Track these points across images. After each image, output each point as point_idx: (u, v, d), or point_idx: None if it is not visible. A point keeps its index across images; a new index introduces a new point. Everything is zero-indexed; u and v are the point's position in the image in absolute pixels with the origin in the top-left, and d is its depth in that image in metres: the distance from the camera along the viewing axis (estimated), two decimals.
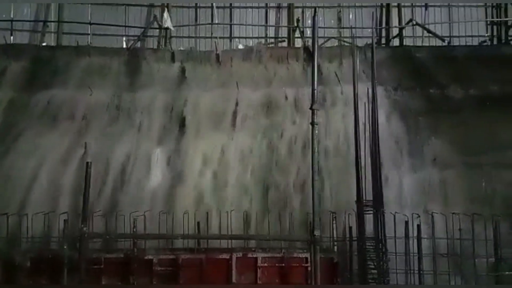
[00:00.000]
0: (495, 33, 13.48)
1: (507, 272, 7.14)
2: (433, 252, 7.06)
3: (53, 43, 11.97)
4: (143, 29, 11.75)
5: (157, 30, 11.83)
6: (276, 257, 6.83)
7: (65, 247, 6.48)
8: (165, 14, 11.37)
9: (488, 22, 13.42)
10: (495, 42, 13.23)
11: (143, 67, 10.37)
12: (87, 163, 5.95)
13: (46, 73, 10.31)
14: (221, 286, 6.72)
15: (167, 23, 11.26)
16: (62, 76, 10.24)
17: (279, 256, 6.84)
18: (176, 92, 9.92)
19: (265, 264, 6.77)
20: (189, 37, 12.30)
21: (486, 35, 13.25)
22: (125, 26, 11.92)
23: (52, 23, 12.21)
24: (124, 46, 11.81)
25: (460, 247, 7.07)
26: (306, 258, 6.64)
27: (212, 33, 11.79)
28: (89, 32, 11.75)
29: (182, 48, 10.99)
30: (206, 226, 7.59)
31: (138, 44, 11.67)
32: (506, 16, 13.30)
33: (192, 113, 9.59)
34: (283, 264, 6.79)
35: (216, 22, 12.04)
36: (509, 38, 13.20)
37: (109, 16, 12.30)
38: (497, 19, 13.35)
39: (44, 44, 11.85)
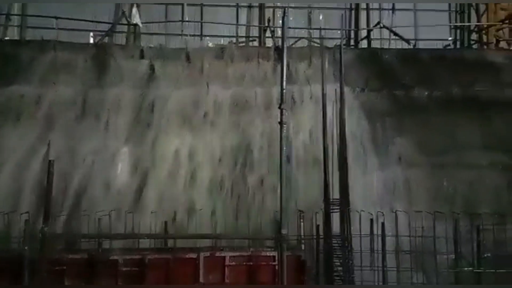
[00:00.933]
0: (458, 37, 14.00)
1: (466, 268, 7.45)
2: (396, 249, 7.28)
3: (16, 37, 11.57)
4: (111, 25, 11.51)
5: (126, 26, 11.61)
6: (244, 256, 6.85)
7: (26, 248, 6.29)
8: (134, 10, 11.17)
9: (452, 27, 13.92)
10: (458, 46, 13.74)
11: (111, 64, 10.14)
12: (50, 161, 5.80)
13: (9, 68, 9.95)
14: (193, 286, 6.69)
15: (136, 19, 11.08)
16: (26, 72, 9.90)
17: (247, 255, 6.86)
18: (145, 89, 9.76)
19: (233, 263, 6.78)
20: (158, 34, 12.14)
21: (450, 39, 13.74)
22: (93, 21, 11.64)
23: (16, 17, 11.79)
24: (91, 41, 11.55)
25: (422, 244, 7.31)
26: (274, 257, 6.70)
27: (182, 31, 11.69)
28: (54, 26, 11.41)
29: (151, 45, 10.80)
30: (174, 226, 7.53)
31: (106, 40, 11.43)
32: (469, 21, 13.83)
33: (161, 111, 9.46)
34: (251, 263, 6.82)
35: (187, 19, 11.95)
36: (472, 42, 13.74)
37: (76, 10, 11.98)
38: (461, 24, 13.86)
39: (6, 38, 11.44)
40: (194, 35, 12.17)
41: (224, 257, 6.76)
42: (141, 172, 8.81)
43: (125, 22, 11.59)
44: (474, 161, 9.13)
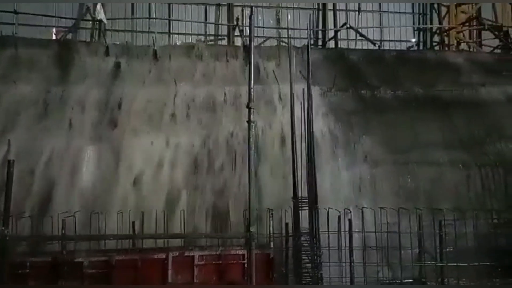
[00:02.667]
0: (421, 39, 14.48)
1: (429, 262, 7.71)
2: (363, 245, 7.44)
3: None
4: (74, 21, 11.18)
5: (90, 23, 11.31)
6: (213, 255, 6.80)
7: None
8: (98, 6, 10.90)
9: (415, 29, 14.38)
10: (421, 47, 14.20)
11: (74, 61, 9.85)
12: (9, 161, 5.57)
13: None
14: (163, 287, 6.60)
15: (100, 15, 10.81)
16: None
17: (216, 254, 6.82)
18: (111, 87, 9.53)
19: (202, 262, 6.73)
20: (125, 31, 11.91)
21: (413, 40, 14.19)
22: (55, 17, 11.27)
23: None
24: (54, 37, 11.19)
25: (387, 239, 7.50)
26: (243, 255, 6.69)
27: (149, 28, 11.51)
28: (14, 22, 10.98)
29: (117, 42, 10.57)
30: (142, 226, 7.40)
31: (70, 36, 11.10)
32: (431, 23, 14.33)
33: (127, 110, 9.26)
34: (220, 262, 6.80)
35: (154, 17, 11.78)
36: (434, 44, 14.24)
37: (37, 5, 11.58)
38: (423, 26, 14.34)
39: None
40: (161, 33, 12.02)
41: (193, 256, 6.69)
42: (107, 172, 8.59)
43: (90, 18, 11.30)
44: (435, 159, 9.44)
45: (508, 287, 7.22)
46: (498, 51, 13.38)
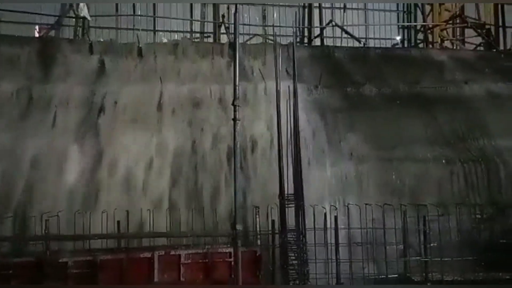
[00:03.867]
0: (406, 36, 14.62)
1: (413, 258, 7.82)
2: (349, 242, 7.50)
3: None
4: (57, 18, 11.00)
5: (74, 20, 11.14)
6: (200, 253, 6.80)
7: None
8: (81, 3, 10.74)
9: (400, 26, 14.51)
10: (405, 44, 14.34)
11: (57, 58, 9.69)
12: None
13: None
14: (149, 287, 6.56)
15: (84, 12, 10.66)
16: None
17: (202, 252, 6.82)
18: (95, 85, 9.40)
19: (189, 261, 6.72)
20: (109, 28, 11.76)
21: (398, 38, 14.32)
22: (37, 14, 11.08)
23: None
24: (37, 35, 11.00)
25: (373, 235, 7.58)
26: (230, 253, 6.70)
27: (134, 25, 11.40)
28: None
29: (101, 40, 10.43)
30: (127, 225, 7.34)
31: (53, 34, 10.93)
32: (415, 21, 14.47)
33: (112, 108, 9.15)
34: (207, 260, 6.79)
35: (139, 14, 11.66)
36: (418, 41, 14.38)
37: (19, 2, 11.35)
38: (408, 24, 14.48)
39: None
40: (146, 30, 11.90)
41: (179, 255, 6.67)
42: (91, 171, 8.50)
43: (73, 15, 11.13)
44: (420, 155, 9.55)
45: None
46: (481, 48, 13.59)
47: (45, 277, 6.36)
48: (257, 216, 7.48)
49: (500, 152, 9.73)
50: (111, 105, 9.20)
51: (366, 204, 7.80)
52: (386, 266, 7.57)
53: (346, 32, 12.77)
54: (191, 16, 12.93)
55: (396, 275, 7.72)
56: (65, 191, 8.16)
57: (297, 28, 13.31)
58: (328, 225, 7.53)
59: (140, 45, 10.02)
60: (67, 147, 8.61)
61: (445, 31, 14.10)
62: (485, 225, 8.36)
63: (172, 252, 6.72)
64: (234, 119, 5.86)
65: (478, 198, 9.14)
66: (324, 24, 13.33)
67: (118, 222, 7.31)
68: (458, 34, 14.34)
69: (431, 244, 7.75)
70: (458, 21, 14.10)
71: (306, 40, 13.63)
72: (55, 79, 9.38)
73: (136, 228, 7.57)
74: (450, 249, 7.61)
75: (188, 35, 12.54)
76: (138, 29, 11.02)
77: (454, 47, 13.89)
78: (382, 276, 7.63)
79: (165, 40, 11.51)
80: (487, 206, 8.75)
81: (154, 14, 12.33)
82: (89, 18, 10.96)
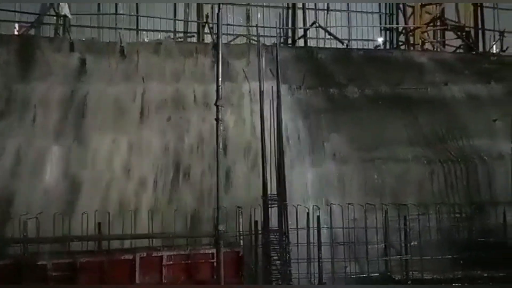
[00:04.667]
0: (388, 38, 14.81)
1: (394, 256, 7.93)
2: (331, 241, 7.56)
3: None
4: (37, 16, 10.79)
5: (54, 18, 10.95)
6: (182, 255, 6.76)
7: None
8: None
9: (382, 28, 14.69)
10: (388, 46, 14.52)
11: (37, 57, 9.50)
12: None
13: None
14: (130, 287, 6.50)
15: (65, 10, 10.49)
16: None
17: (185, 254, 6.78)
18: (75, 85, 9.24)
19: (171, 262, 6.67)
20: (91, 27, 11.60)
21: (380, 39, 14.49)
22: (17, 12, 10.85)
23: None
24: (16, 33, 10.78)
25: (354, 235, 7.65)
26: (213, 254, 6.67)
27: (116, 24, 11.25)
28: None
29: (82, 38, 10.27)
30: (108, 227, 7.24)
31: (33, 32, 10.71)
32: (397, 23, 14.67)
33: (93, 108, 9.01)
34: (189, 261, 6.75)
35: (121, 12, 11.52)
36: (400, 43, 14.59)
37: None
38: (390, 26, 14.67)
39: None
40: (129, 29, 11.77)
41: (161, 256, 6.62)
42: (72, 172, 8.36)
43: (53, 13, 10.94)
44: (401, 156, 9.70)
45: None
46: (461, 51, 13.86)
47: (23, 279, 6.24)
48: (240, 216, 7.47)
49: (478, 152, 9.95)
50: (92, 105, 9.06)
51: (348, 204, 7.86)
52: (367, 265, 7.65)
53: (330, 34, 12.87)
54: (175, 16, 12.84)
55: (377, 274, 7.81)
56: (45, 193, 8.01)
57: (281, 29, 13.35)
58: (311, 225, 7.56)
59: (122, 44, 9.90)
60: (47, 147, 8.46)
61: (426, 33, 14.34)
62: (464, 224, 8.52)
63: (154, 254, 6.66)
64: (217, 119, 5.84)
65: (457, 198, 9.32)
66: (307, 25, 13.41)
67: (99, 224, 7.21)
68: (438, 36, 14.60)
69: (412, 243, 7.87)
70: (438, 23, 14.35)
71: (290, 41, 13.69)
72: (34, 78, 9.20)
73: (117, 229, 7.47)
74: (430, 248, 7.73)
75: (171, 35, 12.45)
76: (120, 28, 10.87)
77: (435, 49, 14.12)
78: (364, 275, 7.71)
79: (147, 39, 11.40)
80: (466, 205, 8.92)
81: (137, 13, 12.19)
82: (70, 16, 10.78)
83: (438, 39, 14.51)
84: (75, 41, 9.87)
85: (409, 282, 7.67)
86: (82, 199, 8.06)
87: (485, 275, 7.83)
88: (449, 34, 14.41)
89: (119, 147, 8.73)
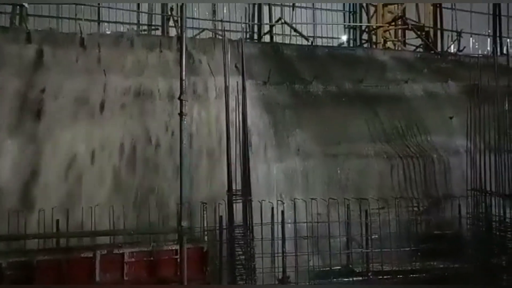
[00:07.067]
0: (351, 36, 15.12)
1: (355, 249, 8.14)
2: (295, 235, 7.67)
3: None
4: None
5: (10, 7, 10.44)
6: (145, 251, 6.64)
7: None
8: None
9: (346, 26, 14.98)
10: (351, 44, 14.83)
11: None
12: None
13: None
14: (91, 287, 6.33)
15: None
16: None
17: (147, 250, 6.67)
18: (32, 77, 8.84)
19: (132, 260, 6.55)
20: (49, 16, 11.15)
21: (344, 37, 14.78)
22: None
23: None
24: None
25: (318, 229, 7.79)
26: (176, 250, 6.60)
27: (76, 15, 10.87)
28: None
29: (40, 29, 9.84)
30: (66, 224, 7.02)
31: None
32: (360, 22, 15.00)
33: (51, 101, 8.64)
34: (152, 258, 6.65)
35: (82, 3, 11.13)
36: (363, 41, 14.92)
37: None
38: (353, 24, 14.98)
39: None
40: (90, 20, 11.40)
41: (123, 253, 6.48)
42: (29, 167, 8.03)
43: (9, 1, 10.43)
44: (363, 151, 9.94)
45: None
46: (420, 50, 14.33)
47: None
48: (205, 212, 7.43)
49: (436, 148, 10.35)
50: (50, 98, 8.71)
51: (312, 198, 7.98)
52: (330, 258, 7.81)
53: (295, 30, 12.99)
54: (139, 8, 12.56)
55: (339, 267, 8.00)
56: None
57: (247, 25, 13.35)
58: (275, 220, 7.63)
59: (82, 36, 9.55)
60: (1, 141, 8.07)
61: (387, 32, 14.73)
62: (422, 217, 8.85)
63: (116, 251, 6.51)
64: (181, 114, 5.77)
65: (415, 192, 9.66)
66: (273, 21, 13.47)
67: (57, 220, 6.97)
68: (400, 35, 15.03)
69: (373, 236, 8.10)
70: (400, 23, 14.78)
71: (255, 37, 13.70)
72: None
73: (76, 227, 7.26)
74: (390, 241, 7.99)
75: (134, 27, 12.17)
76: (80, 19, 10.48)
77: (396, 48, 14.54)
78: (326, 268, 7.87)
79: (109, 31, 11.08)
80: (423, 199, 9.27)
81: (98, 4, 11.82)
82: (26, 5, 10.29)
83: (399, 38, 14.95)
84: (32, 32, 9.43)
85: (369, 274, 7.91)
86: (39, 195, 7.77)
87: (441, 266, 8.19)
88: (410, 34, 14.87)
89: (79, 143, 8.45)
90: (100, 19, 11.83)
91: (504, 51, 14.63)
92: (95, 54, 9.52)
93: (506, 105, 8.13)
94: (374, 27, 14.47)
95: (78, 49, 9.43)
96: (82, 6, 11.02)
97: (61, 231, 6.90)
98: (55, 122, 8.46)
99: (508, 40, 15.24)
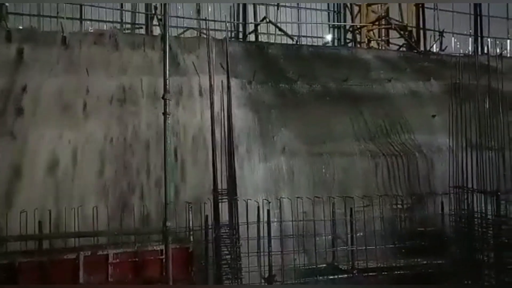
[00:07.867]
0: (336, 35, 15.22)
1: (340, 247, 8.20)
2: (281, 234, 7.68)
3: None
4: None
5: None
6: (129, 252, 6.57)
7: None
8: None
9: (331, 26, 15.07)
10: (336, 43, 14.92)
11: None
12: None
13: None
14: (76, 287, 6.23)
15: None
16: None
17: (132, 251, 6.59)
18: (13, 77, 8.66)
19: (117, 261, 6.47)
20: (30, 15, 10.94)
21: (329, 37, 14.87)
22: None
23: None
24: None
25: (303, 227, 7.83)
26: (161, 250, 6.54)
27: (58, 13, 10.69)
28: None
29: (20, 27, 9.65)
30: (49, 226, 6.90)
31: None
32: (345, 21, 15.10)
33: (32, 101, 8.46)
34: (137, 259, 6.58)
35: (63, 1, 10.96)
36: (347, 41, 15.03)
37: None
38: (338, 24, 15.07)
39: None
40: (72, 18, 11.22)
41: (107, 254, 6.40)
42: (10, 168, 7.87)
43: None
44: (347, 150, 10.01)
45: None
46: (403, 49, 14.50)
47: None
48: (190, 212, 7.39)
49: (419, 146, 10.48)
50: (31, 98, 8.54)
51: (297, 197, 8.01)
52: (316, 256, 7.86)
53: (280, 29, 13.00)
54: (122, 6, 12.42)
55: (325, 265, 8.05)
56: None
57: (232, 24, 13.31)
58: (261, 219, 7.64)
59: (64, 34, 9.39)
60: None
61: (371, 32, 14.87)
62: (405, 214, 8.96)
63: (100, 252, 6.43)
64: (164, 113, 5.72)
65: (399, 190, 9.77)
66: (258, 21, 13.46)
67: (40, 222, 6.85)
68: (383, 35, 15.19)
69: (358, 234, 8.17)
70: (383, 22, 14.93)
71: (240, 36, 13.67)
72: None
73: (59, 228, 7.15)
74: (375, 238, 8.07)
75: (118, 26, 12.02)
76: (62, 17, 10.31)
77: (380, 47, 14.68)
78: (312, 266, 7.91)
79: (92, 30, 10.92)
80: (407, 197, 9.38)
81: (81, 1, 11.65)
82: (6, 3, 10.09)
83: (383, 37, 15.11)
84: (12, 30, 9.25)
85: (354, 271, 7.97)
86: (20, 197, 7.62)
87: (424, 262, 8.31)
88: (393, 33, 15.04)
89: (61, 143, 8.31)
90: (83, 17, 11.65)
91: (485, 51, 14.89)
92: (77, 53, 9.38)
93: (487, 103, 8.27)
94: (358, 26, 14.59)
95: (60, 47, 9.28)
96: (64, 4, 10.85)
97: (43, 233, 6.79)
98: (37, 122, 8.31)
99: (489, 39, 15.51)
